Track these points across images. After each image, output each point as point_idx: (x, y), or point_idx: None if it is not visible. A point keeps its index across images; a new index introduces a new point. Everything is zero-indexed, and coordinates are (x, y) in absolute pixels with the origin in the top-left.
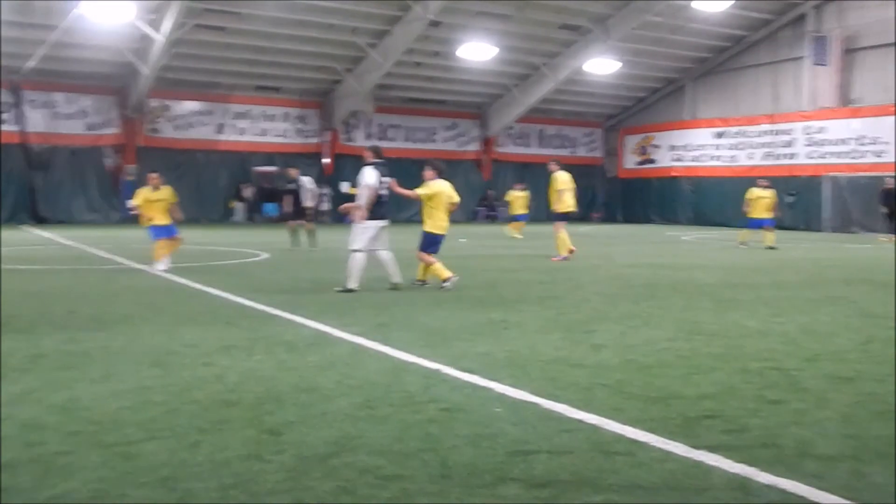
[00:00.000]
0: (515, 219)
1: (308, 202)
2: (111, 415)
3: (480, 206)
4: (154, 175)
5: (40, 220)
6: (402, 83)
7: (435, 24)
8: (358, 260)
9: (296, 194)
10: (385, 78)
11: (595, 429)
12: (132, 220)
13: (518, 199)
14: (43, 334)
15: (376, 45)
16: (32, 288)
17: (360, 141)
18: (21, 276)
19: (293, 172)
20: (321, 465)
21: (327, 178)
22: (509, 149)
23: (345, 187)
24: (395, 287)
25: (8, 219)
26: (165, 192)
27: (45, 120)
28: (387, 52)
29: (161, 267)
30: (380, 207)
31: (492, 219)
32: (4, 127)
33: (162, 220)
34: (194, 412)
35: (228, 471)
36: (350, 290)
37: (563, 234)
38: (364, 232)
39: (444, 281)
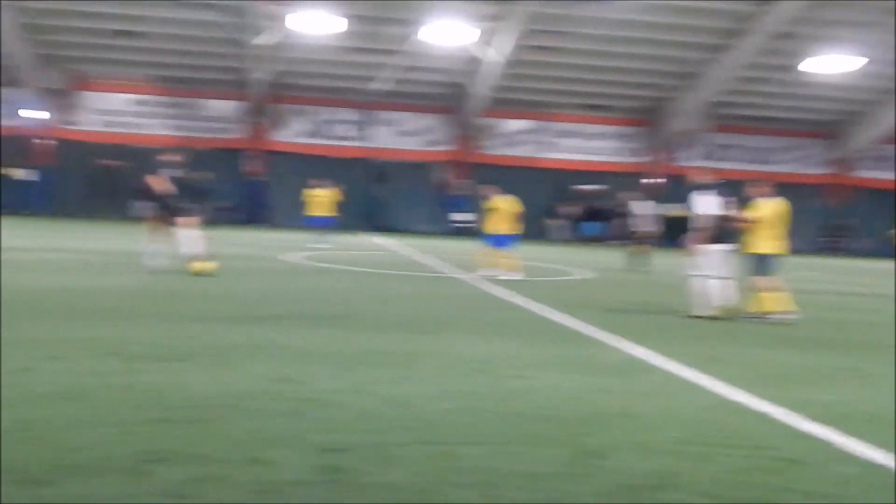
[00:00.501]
0: None
1: (644, 226)
2: (437, 415)
3: (825, 236)
4: (487, 187)
5: (378, 229)
6: (740, 100)
7: (783, 35)
8: (699, 285)
9: (625, 216)
10: (721, 95)
11: None
12: (461, 231)
13: None
14: (379, 332)
15: (712, 61)
16: (372, 291)
17: (689, 161)
18: (357, 277)
19: (625, 198)
20: (639, 496)
21: (654, 200)
22: (867, 173)
23: (673, 210)
24: (720, 316)
25: (349, 226)
26: (500, 203)
27: (388, 137)
28: (724, 67)
29: (487, 273)
30: (722, 232)
31: (835, 251)
32: (351, 143)
33: (502, 229)
34: (513, 423)
35: (543, 486)
36: (699, 317)
37: None
38: (706, 257)
39: (772, 314)
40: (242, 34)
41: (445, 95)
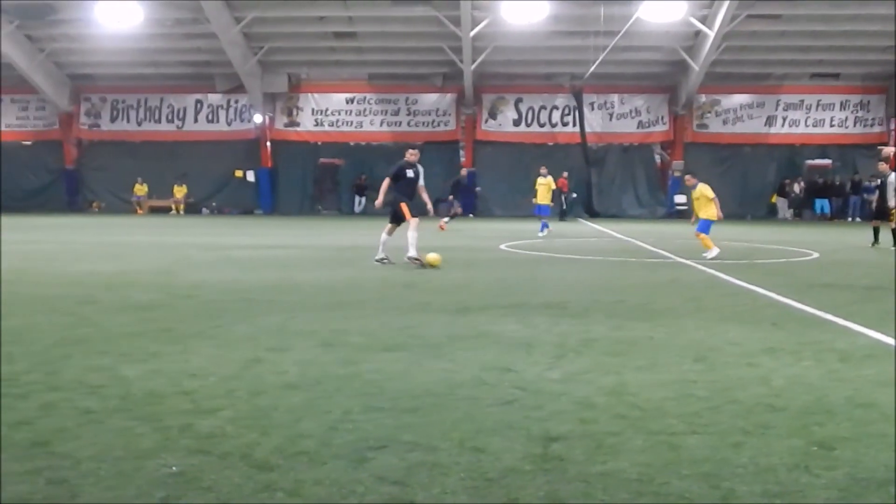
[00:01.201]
0: None
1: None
2: (655, 403)
3: None
4: (687, 177)
5: (594, 214)
6: None
7: None
8: None
9: (881, 190)
10: None
11: None
12: (677, 215)
13: None
14: (595, 320)
15: None
16: (583, 276)
17: None
18: (573, 265)
19: (882, 167)
20: (880, 491)
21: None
22: None
23: None
24: None
25: (568, 213)
26: (700, 192)
27: (601, 120)
28: None
29: (710, 255)
30: None
31: None
32: (564, 129)
33: (707, 214)
34: (737, 412)
35: (773, 478)
36: None
37: None
38: None
39: None
40: (453, 26)
41: (660, 74)
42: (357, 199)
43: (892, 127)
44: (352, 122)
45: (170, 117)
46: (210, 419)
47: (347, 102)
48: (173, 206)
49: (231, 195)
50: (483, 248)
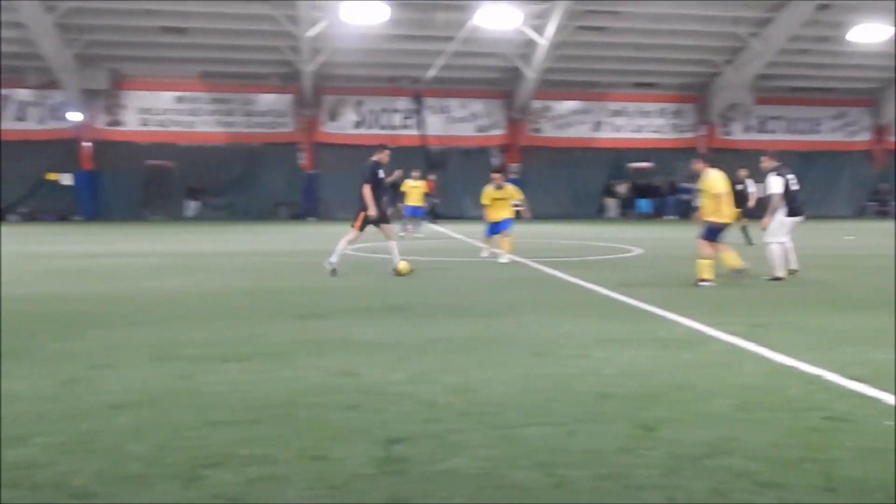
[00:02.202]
0: None
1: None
2: (497, 399)
3: (871, 200)
4: (497, 175)
5: (437, 217)
6: (785, 72)
7: (823, 6)
8: (776, 251)
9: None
10: (766, 67)
11: None
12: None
13: None
14: (439, 321)
15: (758, 34)
16: (433, 279)
17: (737, 134)
18: (417, 267)
19: (742, 174)
20: (695, 465)
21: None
22: None
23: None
24: (781, 279)
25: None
26: (508, 192)
27: (441, 124)
28: (769, 40)
29: (504, 259)
30: (794, 203)
31: (884, 215)
32: (404, 132)
33: (497, 217)
34: (572, 402)
35: (602, 462)
36: (779, 279)
37: None
38: (782, 227)
39: (703, 282)
40: (291, 26)
41: (497, 80)
42: (189, 203)
43: (703, 133)
44: (182, 122)
45: None
46: (21, 448)
47: (177, 101)
48: None
49: (45, 200)
50: (327, 253)
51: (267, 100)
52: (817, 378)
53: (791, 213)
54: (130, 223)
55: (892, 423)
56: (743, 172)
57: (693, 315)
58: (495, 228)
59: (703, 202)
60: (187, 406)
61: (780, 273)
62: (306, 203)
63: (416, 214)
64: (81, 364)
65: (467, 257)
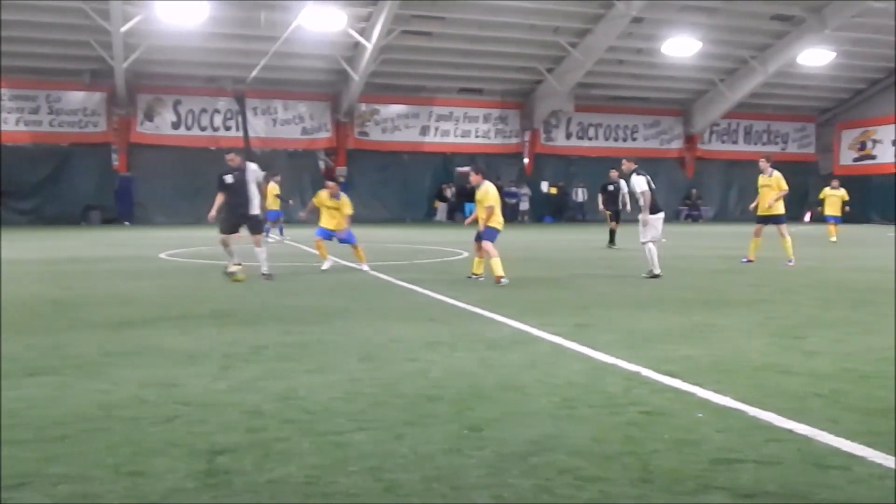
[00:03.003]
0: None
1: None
2: (324, 404)
3: (683, 205)
4: (332, 184)
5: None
6: (603, 81)
7: (638, 20)
8: (653, 250)
9: (614, 195)
10: (586, 77)
11: (807, 440)
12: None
13: (830, 198)
14: (265, 327)
15: (577, 44)
16: (252, 283)
17: (560, 140)
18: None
19: (613, 174)
20: (521, 463)
21: (527, 179)
22: (714, 146)
23: (544, 187)
24: (658, 275)
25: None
26: (342, 203)
27: (265, 126)
28: (588, 50)
29: (325, 266)
30: (656, 203)
31: (694, 218)
32: (226, 133)
33: (330, 224)
34: (400, 405)
35: (431, 464)
36: (657, 276)
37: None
38: (654, 225)
39: (501, 279)
40: (103, 20)
41: (322, 82)
42: None
43: (527, 139)
44: None
45: None
46: None
47: None
48: None
49: None
50: (143, 258)
51: (76, 98)
52: (635, 374)
53: (655, 211)
54: None
55: (704, 416)
56: (614, 173)
57: (519, 317)
58: (327, 234)
59: (479, 211)
60: None
61: (657, 270)
62: (120, 207)
63: (275, 217)
64: None
65: (295, 261)
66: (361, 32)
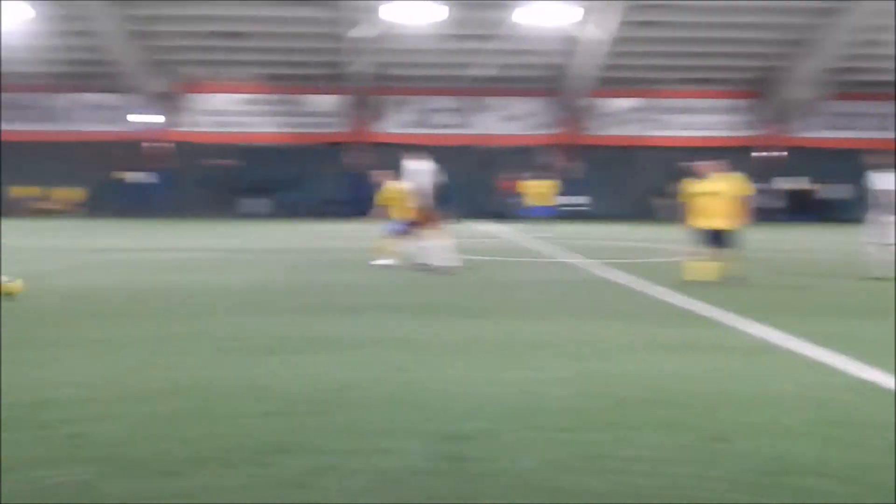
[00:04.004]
0: None
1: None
2: (555, 401)
3: None
4: (384, 172)
5: (485, 216)
6: (859, 65)
7: None
8: (878, 251)
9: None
10: (837, 61)
11: None
12: (571, 215)
13: None
14: (490, 319)
15: (824, 25)
16: (483, 278)
17: (804, 132)
18: (472, 266)
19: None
20: (767, 480)
21: (769, 173)
22: None
23: (790, 183)
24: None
25: (467, 214)
26: (400, 190)
27: (491, 123)
28: (838, 31)
29: (382, 262)
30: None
31: None
32: (454, 131)
33: (400, 215)
34: (636, 408)
35: (670, 471)
36: (880, 279)
37: None
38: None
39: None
40: (339, 28)
41: (548, 77)
42: (248, 201)
43: (766, 130)
44: (242, 123)
45: (51, 117)
46: (108, 426)
47: (237, 103)
48: (60, 209)
49: (123, 197)
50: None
51: (319, 100)
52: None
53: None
54: (191, 220)
55: None
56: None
57: (765, 320)
58: (395, 227)
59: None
60: (251, 394)
61: None
62: (355, 202)
63: (540, 214)
64: (152, 351)
65: (520, 257)
66: (588, 25)
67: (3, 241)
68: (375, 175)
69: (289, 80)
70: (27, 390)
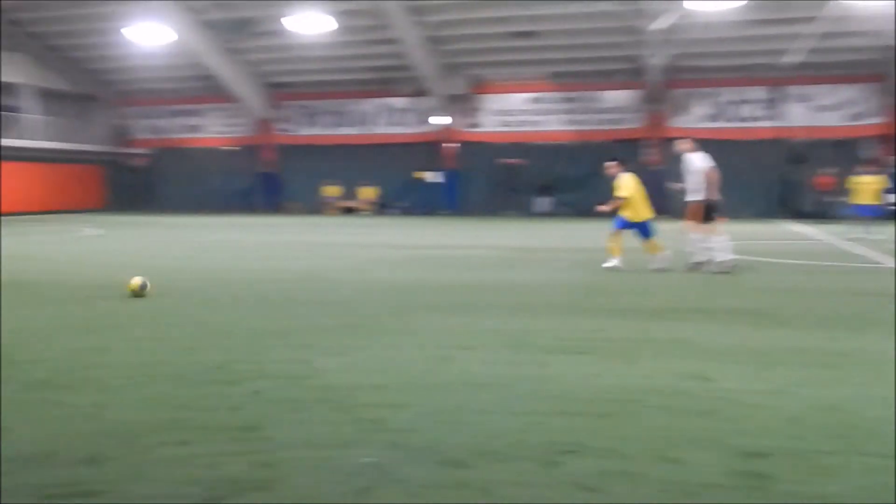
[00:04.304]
0: None
1: None
2: (872, 423)
3: None
4: (615, 165)
5: (796, 216)
6: None
7: None
8: None
9: None
10: None
11: None
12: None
13: None
14: (801, 330)
15: None
16: (794, 283)
17: None
18: (780, 270)
19: None
20: None
21: None
22: None
23: None
24: None
25: (761, 213)
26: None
27: (802, 113)
28: None
29: (612, 263)
30: None
31: None
32: (760, 124)
33: (635, 214)
34: None
35: None
36: None
37: None
38: None
39: None
40: (637, 21)
41: (872, 61)
42: (539, 199)
43: None
44: (533, 122)
45: (357, 121)
46: (402, 413)
47: (528, 102)
48: (361, 207)
49: (415, 196)
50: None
51: (613, 96)
52: None
53: None
54: (485, 218)
55: None
56: None
57: None
58: (624, 224)
59: None
60: (540, 393)
61: None
62: (654, 199)
63: (867, 213)
64: (449, 344)
65: (835, 261)
66: None
67: (316, 237)
68: (608, 168)
69: (577, 76)
70: (344, 374)
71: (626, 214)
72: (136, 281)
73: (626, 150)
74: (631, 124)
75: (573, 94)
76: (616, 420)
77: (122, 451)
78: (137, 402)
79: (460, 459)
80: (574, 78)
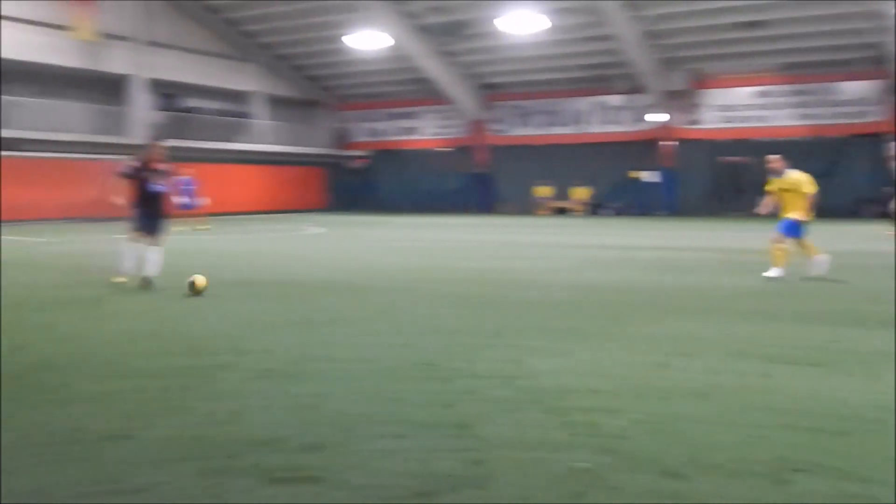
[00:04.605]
0: None
1: None
2: None
3: None
4: (774, 157)
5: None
6: None
7: None
8: None
9: None
10: None
11: None
12: None
13: None
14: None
15: None
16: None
17: None
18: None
19: None
20: None
21: None
22: None
23: None
24: None
25: None
26: (793, 180)
27: None
28: None
29: (773, 273)
30: None
31: None
32: None
33: (793, 213)
34: None
35: None
36: None
37: None
38: None
39: None
40: (878, 3)
41: None
42: (764, 199)
43: None
44: (759, 117)
45: (570, 120)
46: (616, 419)
47: (754, 96)
48: (573, 208)
49: (630, 196)
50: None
51: (851, 88)
52: None
53: None
54: (706, 218)
55: None
56: None
57: None
58: (787, 228)
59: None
60: (766, 405)
61: None
62: (885, 201)
63: None
64: (665, 350)
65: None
66: None
67: (529, 237)
68: (771, 162)
69: (810, 67)
70: (556, 376)
71: (797, 215)
72: (202, 282)
73: (867, 146)
74: (873, 117)
75: (805, 86)
76: (855, 439)
77: (341, 441)
78: (355, 394)
79: (679, 471)
80: (806, 68)
